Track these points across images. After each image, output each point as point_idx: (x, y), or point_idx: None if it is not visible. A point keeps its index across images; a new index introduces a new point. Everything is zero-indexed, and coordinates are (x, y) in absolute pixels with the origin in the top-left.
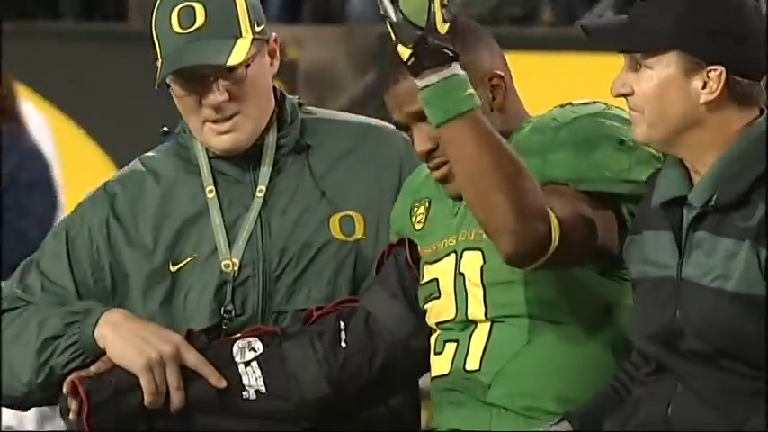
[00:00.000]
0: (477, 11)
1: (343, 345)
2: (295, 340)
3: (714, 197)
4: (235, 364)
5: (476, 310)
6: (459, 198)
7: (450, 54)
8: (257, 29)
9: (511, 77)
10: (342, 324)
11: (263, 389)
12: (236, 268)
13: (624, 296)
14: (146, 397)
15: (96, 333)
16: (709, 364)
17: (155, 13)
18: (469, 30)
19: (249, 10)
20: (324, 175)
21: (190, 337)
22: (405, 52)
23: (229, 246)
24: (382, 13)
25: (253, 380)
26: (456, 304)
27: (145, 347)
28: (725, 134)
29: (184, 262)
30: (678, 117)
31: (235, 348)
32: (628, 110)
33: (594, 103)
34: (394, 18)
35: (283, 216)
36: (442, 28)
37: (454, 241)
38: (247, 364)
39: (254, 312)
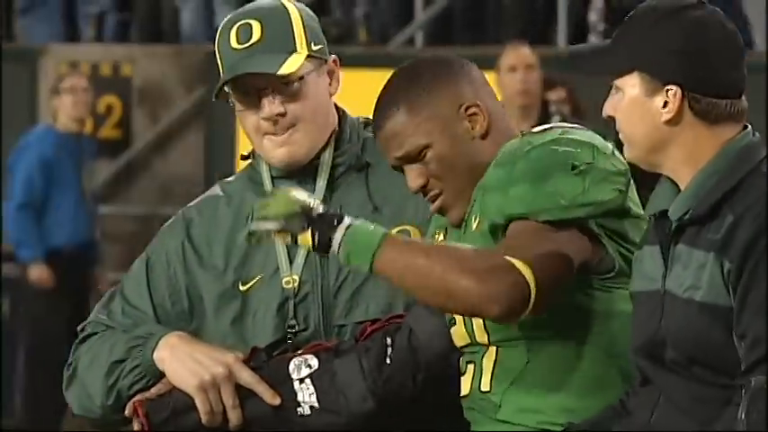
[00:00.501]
0: None
1: (388, 362)
2: (345, 357)
3: (690, 211)
4: (291, 381)
5: (481, 335)
6: (459, 226)
7: (335, 213)
8: (314, 47)
9: (494, 99)
10: (388, 341)
11: (316, 404)
12: (296, 285)
13: (615, 304)
14: (202, 416)
15: (155, 356)
16: (684, 373)
17: (218, 32)
18: (440, 66)
19: (305, 29)
20: (382, 190)
21: (252, 355)
22: (305, 240)
23: (290, 263)
24: (256, 229)
25: (307, 396)
26: (466, 331)
27: (198, 369)
28: (697, 151)
29: (253, 281)
30: (645, 136)
31: (291, 366)
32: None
33: (551, 128)
34: (274, 228)
35: None
36: (311, 200)
37: None
38: (302, 380)
39: (316, 327)
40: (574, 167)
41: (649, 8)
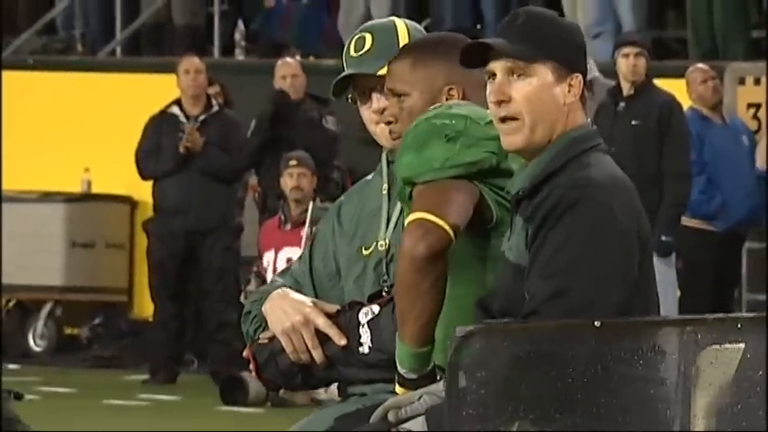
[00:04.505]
0: (29, 47)
1: None
2: (388, 306)
3: (522, 188)
4: (359, 326)
5: None
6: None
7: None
8: None
9: (479, 92)
10: None
11: (371, 344)
12: (386, 247)
13: (494, 251)
14: (289, 355)
15: (263, 308)
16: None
17: (346, 44)
18: (457, 46)
19: (410, 40)
20: None
21: (344, 306)
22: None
23: (386, 230)
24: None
25: (366, 338)
26: None
27: (282, 318)
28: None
29: (372, 246)
30: (551, 116)
31: (361, 313)
32: (500, 119)
33: (441, 105)
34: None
35: None
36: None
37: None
38: (364, 325)
39: None
40: (446, 136)
41: (538, 13)
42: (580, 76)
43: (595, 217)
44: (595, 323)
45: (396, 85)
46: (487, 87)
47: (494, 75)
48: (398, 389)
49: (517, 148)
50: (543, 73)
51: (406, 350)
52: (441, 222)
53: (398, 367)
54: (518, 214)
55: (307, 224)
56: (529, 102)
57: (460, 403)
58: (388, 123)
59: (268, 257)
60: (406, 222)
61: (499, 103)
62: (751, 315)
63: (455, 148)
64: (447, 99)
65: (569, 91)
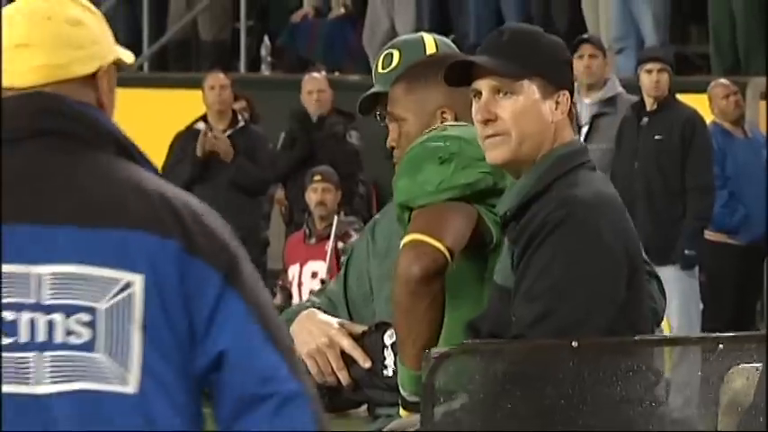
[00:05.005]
0: None
1: None
2: None
3: (509, 209)
4: (384, 348)
5: None
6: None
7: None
8: None
9: (468, 107)
10: None
11: (395, 367)
12: None
13: (490, 273)
14: (314, 377)
15: (291, 329)
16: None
17: (374, 61)
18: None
19: None
20: None
21: (371, 327)
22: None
23: None
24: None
25: (390, 360)
26: None
27: (307, 339)
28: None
29: None
30: (538, 134)
31: (386, 336)
32: (486, 137)
33: (437, 127)
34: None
35: None
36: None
37: None
38: (389, 347)
39: None
40: (440, 158)
41: (523, 30)
42: (567, 93)
43: (581, 237)
44: (573, 344)
45: (394, 110)
46: (473, 106)
47: (479, 93)
48: (402, 412)
49: (501, 162)
50: (530, 90)
51: (407, 373)
52: (436, 243)
53: (401, 390)
54: (505, 235)
55: (331, 238)
56: (516, 120)
57: (436, 425)
58: (392, 149)
59: (293, 271)
60: (401, 244)
61: (486, 122)
62: (734, 334)
63: (449, 170)
64: (441, 122)
65: (556, 108)
